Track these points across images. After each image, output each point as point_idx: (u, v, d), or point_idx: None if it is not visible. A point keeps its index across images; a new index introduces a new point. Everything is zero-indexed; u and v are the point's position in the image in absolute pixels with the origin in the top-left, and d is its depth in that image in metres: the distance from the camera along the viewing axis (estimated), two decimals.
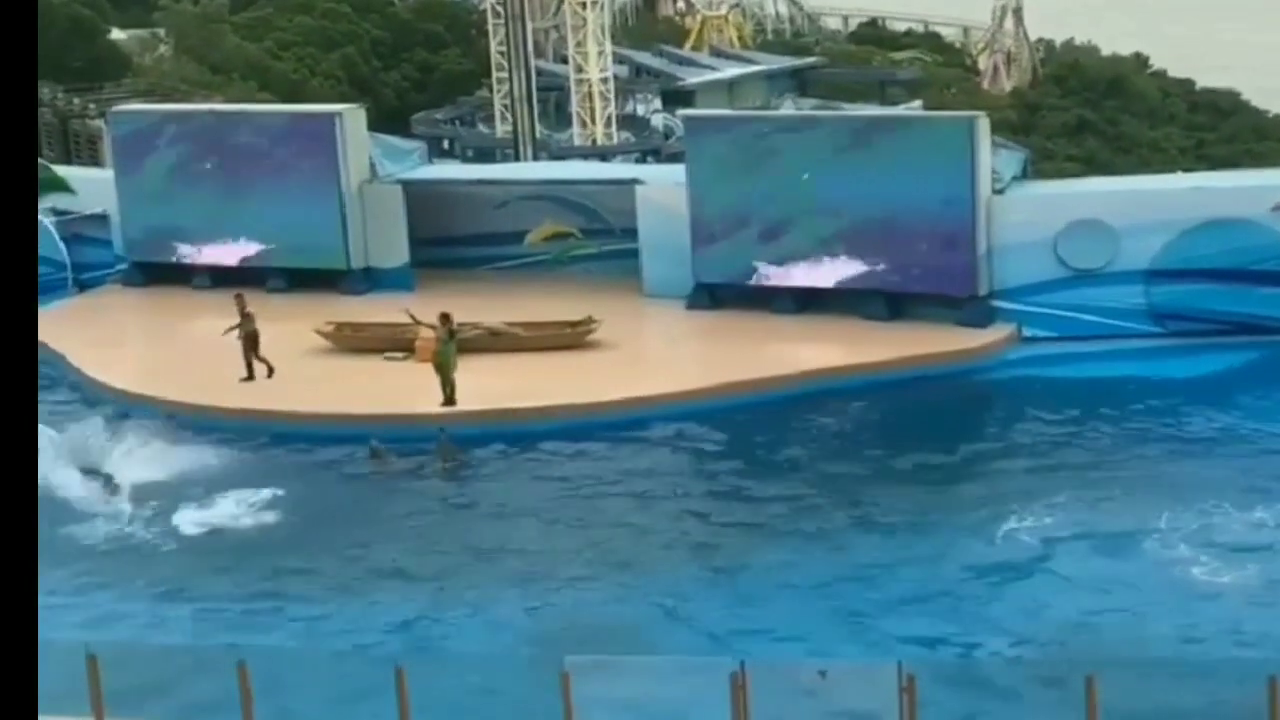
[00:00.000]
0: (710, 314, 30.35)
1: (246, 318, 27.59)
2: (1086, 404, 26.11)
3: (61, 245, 33.99)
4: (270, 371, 27.65)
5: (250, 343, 27.52)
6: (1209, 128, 78.27)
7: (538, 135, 63.51)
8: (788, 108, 70.25)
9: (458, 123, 72.23)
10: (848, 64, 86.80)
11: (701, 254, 30.38)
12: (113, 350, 30.26)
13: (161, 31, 69.88)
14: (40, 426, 16.86)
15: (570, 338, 28.94)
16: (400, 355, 28.33)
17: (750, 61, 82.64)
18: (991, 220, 28.60)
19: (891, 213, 28.72)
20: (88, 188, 35.03)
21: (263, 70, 66.66)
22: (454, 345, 26.13)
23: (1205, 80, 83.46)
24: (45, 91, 54.79)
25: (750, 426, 25.76)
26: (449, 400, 25.93)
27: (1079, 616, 19.09)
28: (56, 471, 23.40)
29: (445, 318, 26.21)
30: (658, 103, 73.22)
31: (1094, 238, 28.16)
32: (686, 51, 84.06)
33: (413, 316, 27.62)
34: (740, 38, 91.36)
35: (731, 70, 79.62)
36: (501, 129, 67.17)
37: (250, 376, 27.51)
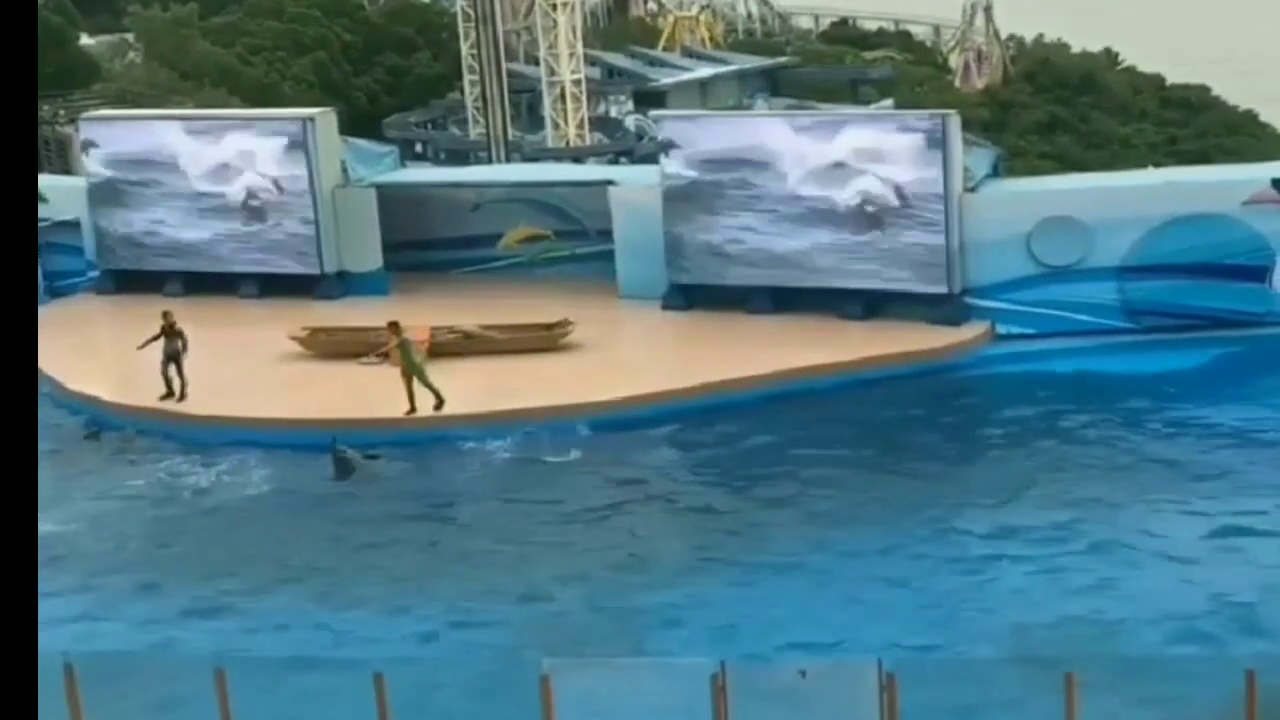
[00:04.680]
0: (686, 315, 30.36)
1: (175, 334, 26.84)
2: (1061, 400, 26.20)
3: None
4: (183, 395, 26.94)
5: (171, 360, 26.79)
6: (1180, 123, 78.52)
7: (510, 138, 63.50)
8: (760, 107, 70.46)
9: (430, 126, 72.13)
10: (819, 63, 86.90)
11: (676, 254, 30.38)
12: (86, 358, 30.09)
13: (131, 37, 69.58)
14: None
15: (546, 340, 28.91)
16: (375, 360, 28.23)
17: (722, 62, 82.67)
18: (964, 218, 28.67)
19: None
20: (59, 195, 34.82)
21: (233, 75, 66.42)
22: (411, 349, 25.85)
23: (1174, 76, 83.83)
24: None
25: (727, 427, 25.77)
26: (436, 404, 25.79)
27: (1055, 612, 19.13)
28: None
29: (393, 326, 25.99)
30: (630, 104, 73.25)
31: (1067, 234, 28.24)
32: (658, 52, 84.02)
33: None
34: (712, 38, 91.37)
35: (704, 71, 79.63)
36: (474, 132, 67.12)
37: (170, 393, 26.87)
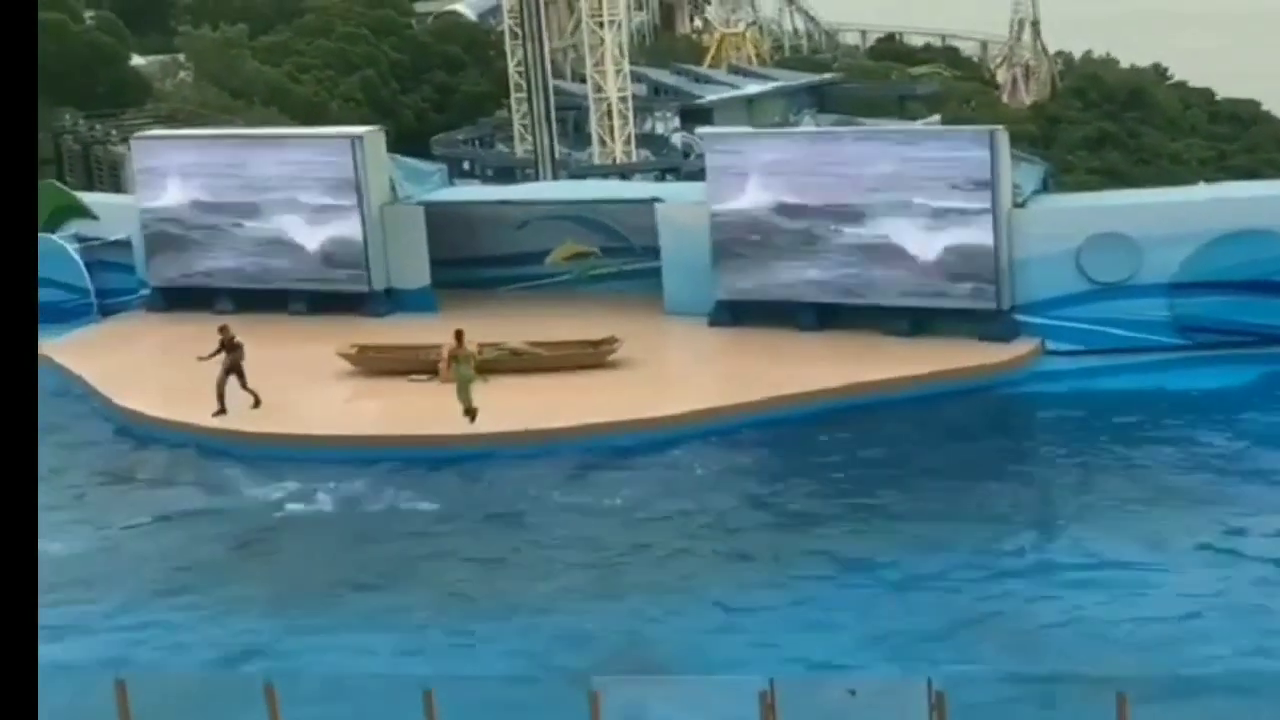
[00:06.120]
0: (732, 331, 30.32)
1: (235, 347, 27.00)
2: (1111, 417, 26.02)
3: (85, 271, 34.11)
4: (256, 403, 27.14)
5: (232, 372, 26.92)
6: (1230, 138, 78.10)
7: (557, 155, 63.63)
8: (807, 124, 70.40)
9: (477, 143, 72.46)
10: (866, 79, 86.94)
11: (723, 271, 30.37)
12: (137, 376, 30.28)
13: (182, 57, 70.26)
14: None
15: (592, 357, 28.92)
16: (424, 377, 28.34)
17: (768, 78, 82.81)
18: (1013, 234, 28.56)
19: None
20: (110, 214, 35.11)
21: (283, 94, 66.93)
22: (467, 363, 26.03)
23: (1224, 91, 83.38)
24: (67, 118, 55.10)
25: (775, 444, 25.74)
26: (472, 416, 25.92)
27: (1107, 631, 19.01)
28: None
29: (459, 335, 26.17)
30: (676, 121, 73.41)
31: (1117, 250, 28.08)
32: (704, 69, 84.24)
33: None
34: (758, 55, 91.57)
35: (750, 87, 79.80)
36: (521, 149, 67.38)
37: (223, 410, 26.91)
